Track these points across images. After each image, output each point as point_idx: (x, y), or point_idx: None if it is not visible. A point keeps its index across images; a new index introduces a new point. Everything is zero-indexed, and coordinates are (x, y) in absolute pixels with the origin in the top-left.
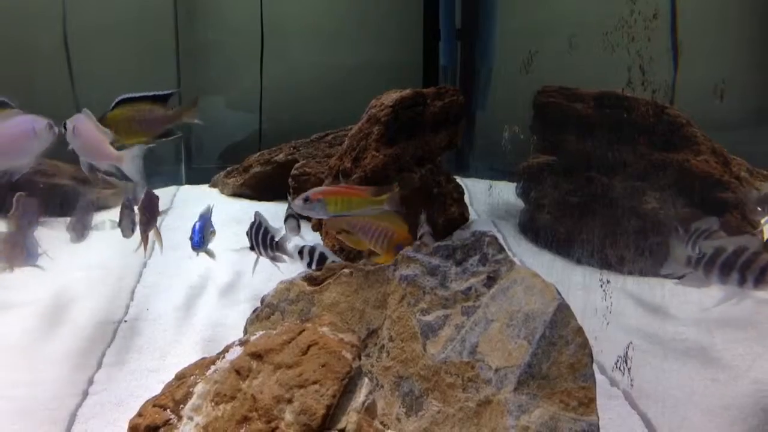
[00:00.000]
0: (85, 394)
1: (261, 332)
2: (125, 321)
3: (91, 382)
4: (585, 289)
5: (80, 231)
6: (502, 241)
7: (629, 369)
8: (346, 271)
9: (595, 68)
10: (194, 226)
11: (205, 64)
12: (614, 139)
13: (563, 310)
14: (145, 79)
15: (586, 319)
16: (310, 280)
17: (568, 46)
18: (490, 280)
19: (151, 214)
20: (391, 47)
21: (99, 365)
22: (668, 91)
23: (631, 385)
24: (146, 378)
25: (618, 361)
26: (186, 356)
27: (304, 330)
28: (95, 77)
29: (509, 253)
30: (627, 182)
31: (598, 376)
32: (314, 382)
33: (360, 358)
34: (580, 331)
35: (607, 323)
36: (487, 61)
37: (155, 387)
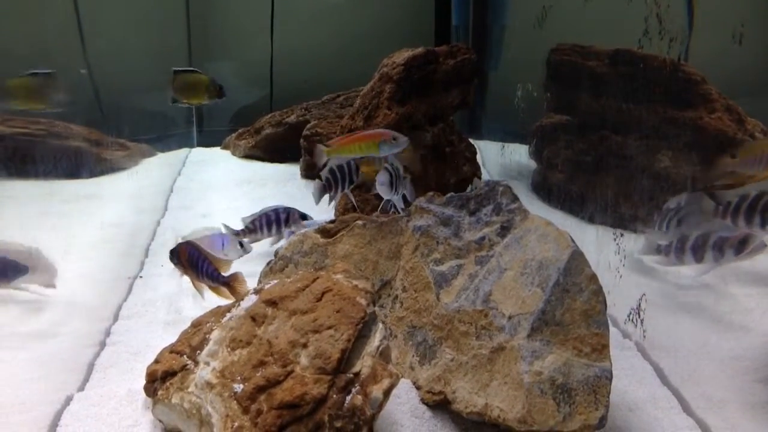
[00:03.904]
0: (103, 345)
1: (275, 281)
2: (140, 277)
3: (108, 333)
4: (598, 246)
5: None
6: None
7: (642, 321)
8: (360, 222)
9: (611, 19)
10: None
11: (216, 27)
12: (628, 97)
13: (577, 257)
14: (155, 43)
15: (599, 273)
16: (323, 232)
17: None
18: (504, 230)
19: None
20: (402, 7)
21: (116, 318)
22: (685, 39)
23: (644, 337)
24: (162, 330)
25: (631, 313)
26: (201, 310)
27: (318, 277)
28: (106, 41)
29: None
30: (640, 140)
31: (611, 328)
32: (329, 327)
33: (374, 304)
34: (594, 278)
35: (620, 276)
36: (499, 18)
37: (171, 338)
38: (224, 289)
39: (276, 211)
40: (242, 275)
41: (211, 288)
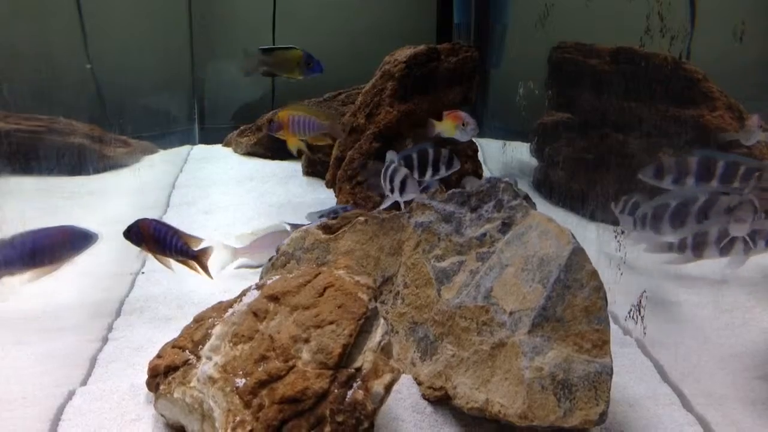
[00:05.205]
0: (105, 340)
1: (277, 277)
2: (142, 272)
3: (110, 328)
4: (599, 244)
5: None
6: None
7: (642, 318)
8: (362, 219)
9: (613, 17)
10: None
11: (218, 25)
12: (629, 95)
13: (578, 253)
14: (157, 41)
15: (600, 270)
16: (325, 228)
17: None
18: (505, 226)
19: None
20: (404, 5)
21: (118, 313)
22: (687, 36)
23: (644, 334)
24: (164, 325)
25: (631, 310)
26: (203, 306)
27: (320, 273)
28: (108, 38)
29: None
30: (641, 138)
31: (612, 325)
32: (331, 323)
33: (376, 300)
34: (594, 274)
35: (621, 273)
36: (501, 17)
37: (173, 334)
38: (193, 263)
39: (345, 209)
40: (211, 249)
41: (179, 262)
